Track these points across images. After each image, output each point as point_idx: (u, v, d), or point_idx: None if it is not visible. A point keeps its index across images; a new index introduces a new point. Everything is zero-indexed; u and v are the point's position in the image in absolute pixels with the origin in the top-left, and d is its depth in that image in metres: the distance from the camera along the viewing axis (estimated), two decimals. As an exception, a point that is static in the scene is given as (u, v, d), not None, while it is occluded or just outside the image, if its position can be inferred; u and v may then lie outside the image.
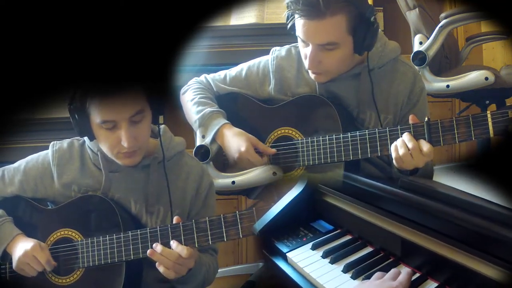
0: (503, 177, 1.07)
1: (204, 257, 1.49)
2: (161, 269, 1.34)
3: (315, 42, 1.46)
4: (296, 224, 1.35)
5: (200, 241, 1.36)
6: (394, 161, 1.40)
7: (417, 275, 1.11)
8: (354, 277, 1.12)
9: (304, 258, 1.22)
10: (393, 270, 1.07)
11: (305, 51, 1.51)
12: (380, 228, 1.21)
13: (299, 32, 1.48)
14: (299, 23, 1.47)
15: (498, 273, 0.97)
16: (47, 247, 1.45)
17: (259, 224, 1.33)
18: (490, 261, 0.98)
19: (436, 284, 1.08)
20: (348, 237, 1.30)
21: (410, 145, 1.36)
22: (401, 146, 1.37)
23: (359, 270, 1.14)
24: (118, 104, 1.36)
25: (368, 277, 1.11)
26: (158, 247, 1.34)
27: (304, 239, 1.30)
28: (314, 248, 1.25)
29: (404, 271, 1.06)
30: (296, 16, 1.47)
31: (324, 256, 1.22)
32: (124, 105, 1.36)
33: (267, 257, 1.29)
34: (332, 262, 1.19)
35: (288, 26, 1.53)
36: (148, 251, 1.35)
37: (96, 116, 1.37)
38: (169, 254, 1.33)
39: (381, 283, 1.03)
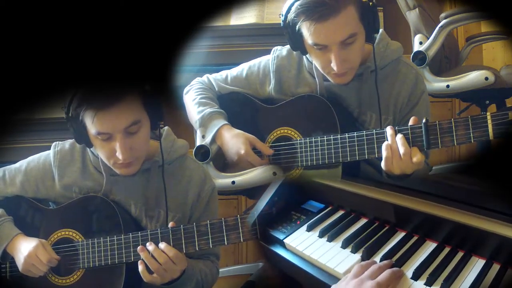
0: (503, 178, 1.07)
1: (202, 265, 1.49)
2: (145, 277, 1.34)
3: (337, 40, 1.42)
4: (288, 209, 1.34)
5: (201, 244, 1.35)
6: (383, 162, 1.34)
7: (415, 238, 1.11)
8: (354, 250, 1.12)
9: (301, 241, 1.21)
10: (372, 268, 1.01)
11: (325, 57, 1.47)
12: (371, 199, 1.21)
13: (317, 39, 1.43)
14: (314, 31, 1.42)
15: (494, 225, 0.97)
16: (49, 244, 1.45)
17: (252, 217, 1.32)
18: (484, 214, 0.98)
19: (435, 244, 1.07)
20: (340, 213, 1.29)
21: (402, 151, 1.30)
22: (390, 147, 1.33)
23: (358, 243, 1.13)
24: (112, 116, 1.31)
25: (368, 248, 1.09)
26: (151, 246, 1.34)
27: (298, 222, 1.29)
28: (309, 229, 1.24)
29: (385, 271, 1.00)
30: (307, 26, 1.42)
31: (321, 235, 1.21)
32: (119, 117, 1.31)
33: (267, 247, 1.28)
34: (330, 240, 1.18)
35: (306, 44, 1.47)
36: (139, 247, 1.34)
37: (91, 128, 1.34)
38: (159, 255, 1.33)
39: (358, 284, 0.97)
